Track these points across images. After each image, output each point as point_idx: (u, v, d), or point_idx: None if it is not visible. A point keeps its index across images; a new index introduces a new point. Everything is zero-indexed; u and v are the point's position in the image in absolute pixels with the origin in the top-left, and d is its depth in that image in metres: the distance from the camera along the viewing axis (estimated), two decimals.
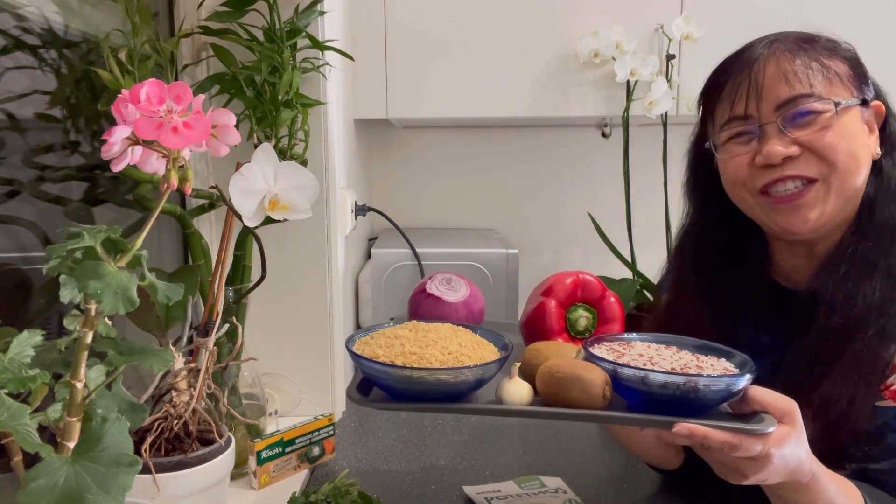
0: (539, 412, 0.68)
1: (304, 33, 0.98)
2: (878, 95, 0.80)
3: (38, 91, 0.81)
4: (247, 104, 0.96)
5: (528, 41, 1.45)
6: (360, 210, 1.40)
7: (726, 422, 0.62)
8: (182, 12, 1.05)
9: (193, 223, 0.95)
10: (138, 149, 0.51)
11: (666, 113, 1.42)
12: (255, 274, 0.95)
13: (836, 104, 0.75)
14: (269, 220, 0.87)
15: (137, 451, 0.61)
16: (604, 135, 1.83)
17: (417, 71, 1.47)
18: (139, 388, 0.77)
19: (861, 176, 0.77)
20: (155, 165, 0.53)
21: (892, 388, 0.73)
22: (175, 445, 0.74)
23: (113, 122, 0.50)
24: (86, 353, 0.49)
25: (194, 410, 0.76)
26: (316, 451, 1.01)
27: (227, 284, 0.95)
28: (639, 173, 1.48)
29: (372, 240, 1.73)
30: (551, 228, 1.88)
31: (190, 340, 0.87)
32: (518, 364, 0.72)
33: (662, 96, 1.39)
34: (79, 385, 0.49)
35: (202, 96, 0.51)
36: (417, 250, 1.45)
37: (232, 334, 0.92)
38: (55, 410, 0.50)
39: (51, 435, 0.49)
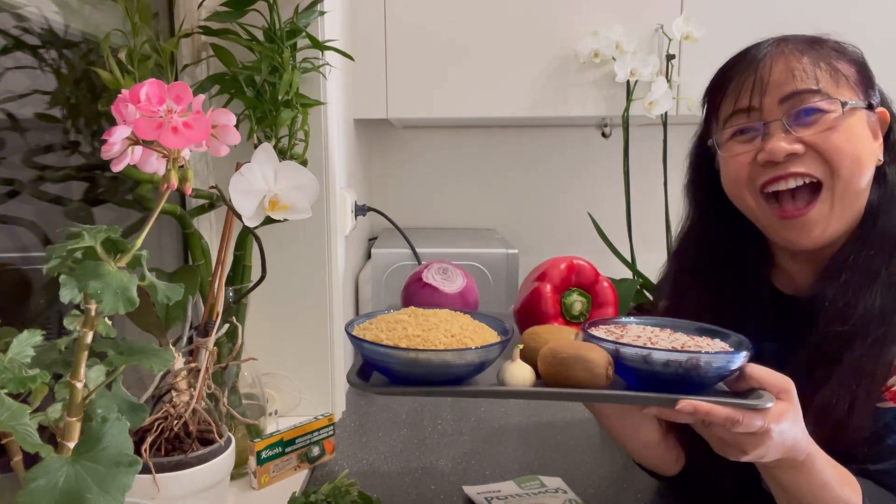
0: (542, 392, 0.67)
1: (304, 33, 0.98)
2: (883, 102, 0.80)
3: (38, 91, 0.81)
4: (247, 104, 0.96)
5: (529, 41, 1.45)
6: (360, 210, 1.40)
7: (727, 398, 0.63)
8: (182, 12, 1.05)
9: (193, 223, 0.95)
10: (138, 149, 0.51)
11: (666, 113, 1.42)
12: (255, 274, 0.95)
13: (843, 104, 0.74)
14: (269, 220, 0.87)
15: (137, 451, 0.61)
16: (604, 135, 1.83)
17: (417, 71, 1.47)
18: (139, 388, 0.77)
19: (864, 180, 0.76)
20: (155, 165, 0.53)
21: (893, 388, 0.73)
22: (175, 445, 0.74)
23: (113, 122, 0.50)
24: (86, 353, 0.49)
25: (194, 410, 0.76)
26: (316, 451, 1.01)
27: (227, 284, 0.95)
28: (639, 173, 1.48)
29: (372, 240, 1.73)
30: (551, 228, 1.88)
31: (190, 340, 0.87)
32: (520, 346, 0.71)
33: (662, 96, 1.39)
34: (79, 385, 0.49)
35: (202, 96, 0.51)
36: (417, 250, 1.45)
37: (232, 334, 0.92)
38: (55, 410, 0.50)
39: (51, 435, 0.49)
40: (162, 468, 0.69)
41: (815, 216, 0.76)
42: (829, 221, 0.76)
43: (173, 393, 0.76)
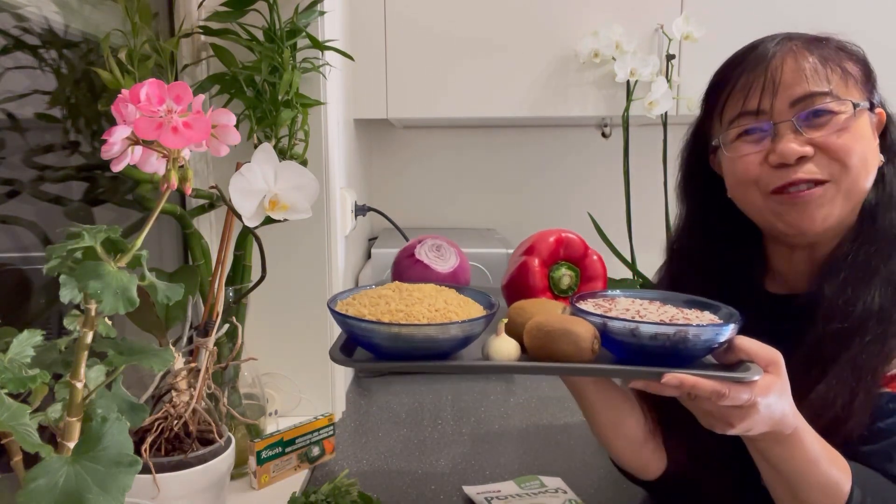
0: (527, 367, 0.66)
1: (304, 33, 0.98)
2: (881, 102, 0.79)
3: (38, 91, 0.81)
4: (247, 104, 0.96)
5: (529, 41, 1.45)
6: (360, 210, 1.40)
7: (714, 371, 0.63)
8: (182, 12, 1.05)
9: (193, 223, 0.95)
10: (138, 149, 0.51)
11: (666, 113, 1.42)
12: (255, 274, 0.95)
13: (855, 105, 0.74)
14: (269, 220, 0.87)
15: (137, 451, 0.61)
16: (604, 135, 1.83)
17: (417, 71, 1.47)
18: (139, 388, 0.77)
19: (869, 181, 0.76)
20: (155, 165, 0.53)
21: (888, 374, 0.73)
22: (175, 445, 0.74)
23: (113, 122, 0.50)
24: (86, 353, 0.49)
25: (194, 410, 0.76)
26: (316, 451, 1.01)
27: (227, 284, 0.95)
28: (639, 173, 1.48)
29: (372, 240, 1.73)
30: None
31: (190, 340, 0.87)
32: (505, 321, 0.70)
33: (662, 96, 1.39)
34: (79, 385, 0.49)
35: (202, 96, 0.51)
36: None
37: (232, 334, 0.92)
38: (55, 410, 0.50)
39: (51, 435, 0.49)
40: (162, 468, 0.69)
41: (818, 199, 0.75)
42: (832, 207, 0.75)
43: (173, 393, 0.76)
